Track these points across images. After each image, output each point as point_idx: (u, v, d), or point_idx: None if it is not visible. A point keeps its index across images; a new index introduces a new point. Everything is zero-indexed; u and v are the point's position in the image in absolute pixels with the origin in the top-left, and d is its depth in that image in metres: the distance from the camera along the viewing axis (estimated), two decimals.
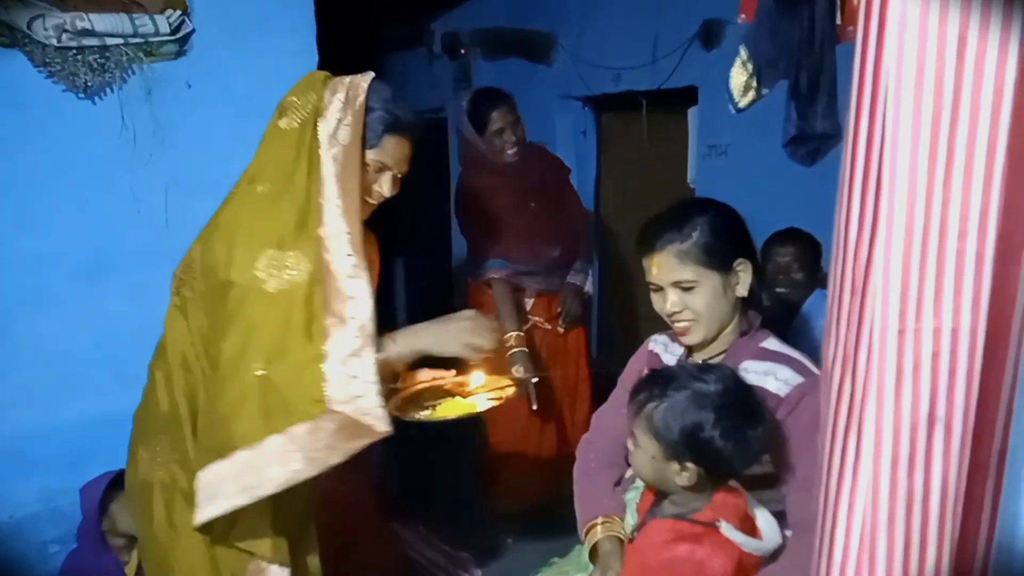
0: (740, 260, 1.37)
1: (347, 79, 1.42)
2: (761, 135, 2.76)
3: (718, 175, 3.15)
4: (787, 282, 2.29)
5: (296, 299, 1.29)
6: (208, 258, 1.38)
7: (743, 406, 1.17)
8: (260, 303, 1.30)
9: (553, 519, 2.80)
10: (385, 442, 1.89)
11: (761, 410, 1.20)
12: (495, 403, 1.57)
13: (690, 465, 1.17)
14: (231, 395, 1.30)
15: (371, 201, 1.45)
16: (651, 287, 1.41)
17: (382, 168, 1.43)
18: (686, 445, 1.15)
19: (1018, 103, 0.55)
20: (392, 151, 1.43)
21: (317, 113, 1.36)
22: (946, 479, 0.61)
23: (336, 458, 1.28)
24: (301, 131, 1.36)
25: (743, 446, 1.15)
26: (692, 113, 3.29)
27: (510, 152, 2.59)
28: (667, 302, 1.37)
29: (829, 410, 0.66)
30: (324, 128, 1.36)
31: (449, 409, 1.54)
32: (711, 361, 1.40)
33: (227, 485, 1.29)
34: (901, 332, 0.59)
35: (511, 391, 1.59)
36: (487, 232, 2.66)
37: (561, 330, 2.72)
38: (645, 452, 1.21)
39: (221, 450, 1.29)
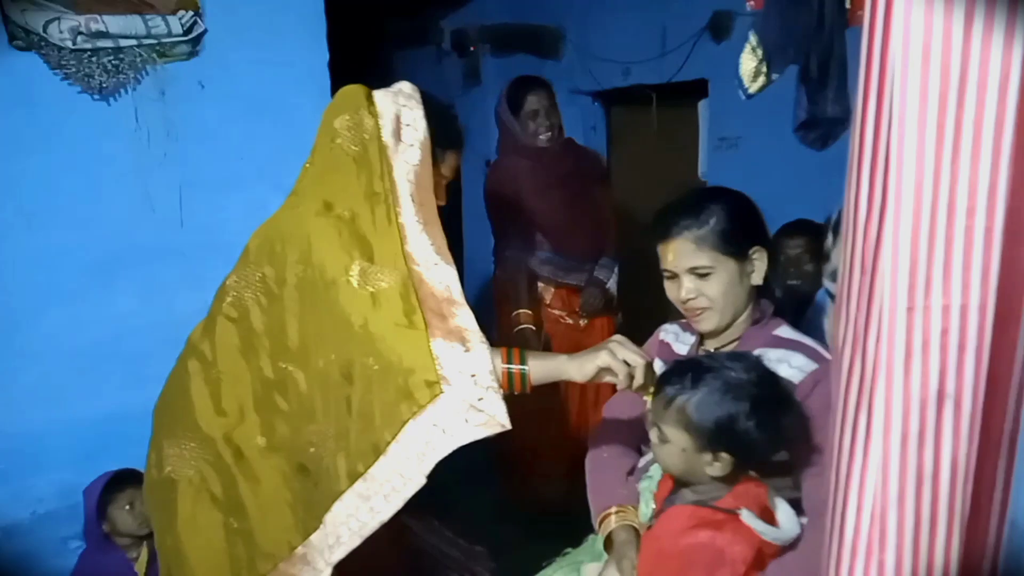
0: (756, 248, 1.37)
1: (390, 93, 1.43)
2: (772, 127, 2.75)
3: (729, 168, 3.15)
4: (798, 273, 2.29)
5: (392, 298, 1.29)
6: (303, 268, 1.38)
7: (775, 394, 1.17)
8: (358, 301, 1.30)
9: (568, 513, 2.81)
10: None
11: (790, 397, 1.21)
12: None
13: (724, 455, 1.15)
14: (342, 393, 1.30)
15: None
16: (665, 275, 1.41)
17: (439, 181, 1.49)
18: (721, 436, 1.14)
19: None
20: (450, 163, 1.52)
21: (377, 135, 1.39)
22: (955, 456, 0.62)
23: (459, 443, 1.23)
24: (366, 154, 1.38)
25: (776, 434, 1.15)
26: (702, 106, 3.28)
27: (543, 137, 2.62)
28: (682, 289, 1.37)
29: (840, 390, 0.66)
30: (391, 148, 1.39)
31: None
32: (724, 349, 1.40)
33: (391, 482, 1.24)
34: (910, 309, 0.60)
35: None
36: (512, 217, 2.67)
37: (583, 323, 2.71)
38: (675, 445, 1.18)
39: (371, 450, 1.25)
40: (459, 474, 3.25)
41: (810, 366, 1.30)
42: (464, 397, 1.21)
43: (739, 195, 1.41)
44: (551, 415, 2.75)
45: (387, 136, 1.39)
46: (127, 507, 2.03)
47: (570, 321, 2.72)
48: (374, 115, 1.40)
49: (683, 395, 1.17)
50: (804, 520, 1.24)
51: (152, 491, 1.56)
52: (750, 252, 1.36)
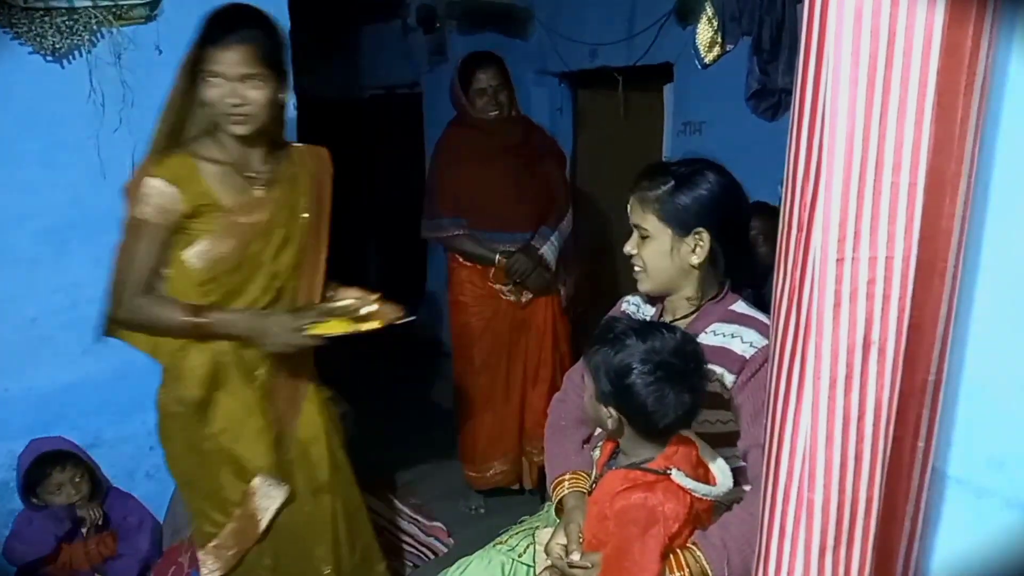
0: (700, 229, 1.34)
1: None
2: (735, 112, 2.79)
3: (693, 152, 3.17)
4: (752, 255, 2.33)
5: None
6: None
7: (671, 366, 1.18)
8: None
9: (523, 490, 2.86)
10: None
11: (693, 378, 1.20)
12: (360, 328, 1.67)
13: (612, 411, 1.21)
14: None
15: None
16: None
17: None
18: (610, 390, 1.20)
19: (945, 46, 0.59)
20: None
21: None
22: (879, 400, 0.65)
23: None
24: None
25: (660, 404, 1.17)
26: (668, 90, 3.31)
27: (492, 114, 2.63)
28: (628, 244, 1.42)
29: (776, 341, 0.69)
30: None
31: (327, 327, 1.67)
32: (680, 323, 1.42)
33: None
34: (840, 261, 0.63)
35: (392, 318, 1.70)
36: (450, 188, 2.66)
37: (524, 299, 2.68)
38: (588, 391, 1.26)
39: None
40: (417, 452, 3.28)
41: (761, 342, 1.33)
42: None
43: (714, 174, 1.37)
44: (506, 395, 2.76)
45: None
46: (56, 490, 2.00)
47: (512, 298, 2.68)
48: None
49: (595, 346, 1.23)
50: (748, 488, 1.29)
51: None
52: (693, 231, 1.35)
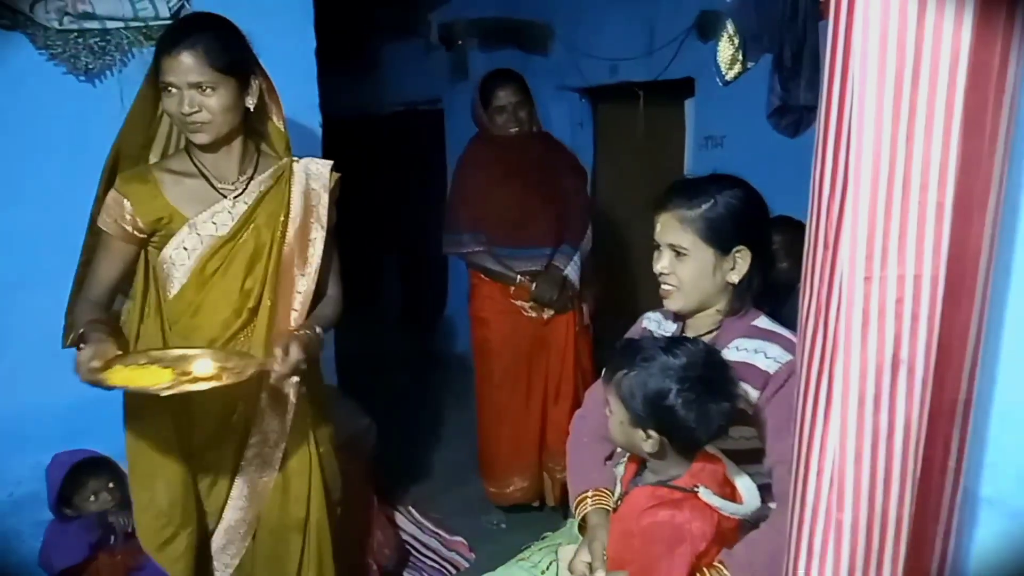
0: (741, 247, 1.36)
1: None
2: (757, 126, 2.78)
3: (714, 167, 3.16)
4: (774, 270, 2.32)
5: None
6: None
7: (708, 379, 1.17)
8: None
9: (544, 505, 2.85)
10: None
11: (729, 386, 1.20)
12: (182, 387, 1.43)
13: (653, 433, 1.19)
14: None
15: None
16: (654, 244, 1.43)
17: None
18: (649, 413, 1.18)
19: (973, 64, 0.58)
20: None
21: None
22: (908, 419, 0.65)
23: None
24: None
25: (705, 418, 1.16)
26: (689, 104, 3.31)
27: (512, 130, 2.66)
28: (659, 262, 1.40)
29: (803, 359, 0.69)
30: None
31: (136, 377, 1.47)
32: (703, 338, 1.42)
33: None
34: (867, 279, 0.63)
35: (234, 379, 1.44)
36: (470, 204, 2.69)
37: (546, 316, 2.69)
38: (616, 417, 1.24)
39: None
40: (438, 467, 3.29)
41: (785, 357, 1.32)
42: None
43: (749, 191, 1.40)
44: (526, 411, 2.76)
45: None
46: (91, 498, 2.02)
47: (533, 314, 2.69)
48: None
49: (621, 370, 1.22)
50: (773, 505, 1.27)
51: None
52: (733, 249, 1.36)
